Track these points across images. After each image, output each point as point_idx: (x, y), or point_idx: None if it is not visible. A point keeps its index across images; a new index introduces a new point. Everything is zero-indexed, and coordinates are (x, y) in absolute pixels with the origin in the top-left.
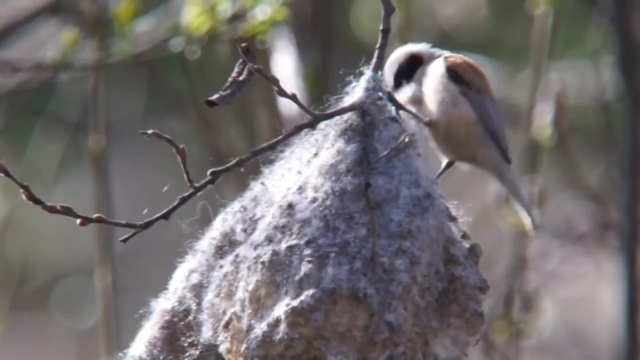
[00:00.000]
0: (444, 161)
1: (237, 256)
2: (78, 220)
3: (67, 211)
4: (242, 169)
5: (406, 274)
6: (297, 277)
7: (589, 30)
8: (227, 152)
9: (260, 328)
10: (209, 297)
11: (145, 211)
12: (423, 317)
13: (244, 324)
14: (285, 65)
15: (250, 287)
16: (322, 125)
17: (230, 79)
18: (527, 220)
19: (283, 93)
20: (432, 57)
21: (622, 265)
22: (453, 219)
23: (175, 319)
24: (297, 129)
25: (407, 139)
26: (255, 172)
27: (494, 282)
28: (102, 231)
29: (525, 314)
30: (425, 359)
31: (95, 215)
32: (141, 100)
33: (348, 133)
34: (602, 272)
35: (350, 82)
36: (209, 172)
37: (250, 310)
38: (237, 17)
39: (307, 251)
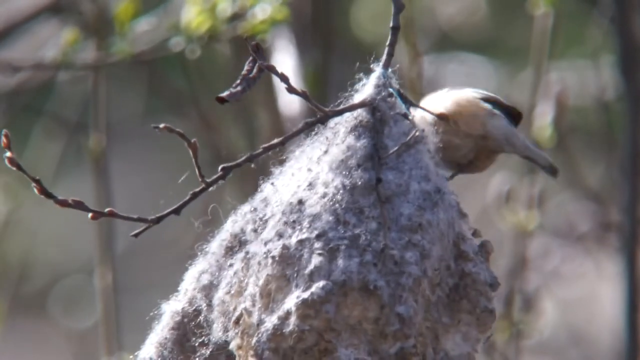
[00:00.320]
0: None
1: (247, 253)
2: (90, 214)
3: (79, 205)
4: (252, 165)
5: (416, 266)
6: (307, 270)
7: (589, 30)
8: (227, 152)
9: (271, 321)
10: (219, 294)
11: (161, 207)
12: (434, 312)
13: (255, 318)
14: (285, 65)
15: (261, 282)
16: (332, 123)
17: (240, 76)
18: (546, 167)
19: (293, 90)
20: None
21: (622, 265)
22: (464, 215)
23: (186, 320)
24: (307, 125)
25: (417, 135)
26: (265, 173)
27: None
28: (102, 231)
29: (525, 314)
30: (436, 355)
31: (107, 210)
32: (141, 100)
33: (358, 129)
34: (602, 272)
35: (360, 80)
36: (220, 167)
37: (260, 305)
38: (237, 16)
39: (318, 244)
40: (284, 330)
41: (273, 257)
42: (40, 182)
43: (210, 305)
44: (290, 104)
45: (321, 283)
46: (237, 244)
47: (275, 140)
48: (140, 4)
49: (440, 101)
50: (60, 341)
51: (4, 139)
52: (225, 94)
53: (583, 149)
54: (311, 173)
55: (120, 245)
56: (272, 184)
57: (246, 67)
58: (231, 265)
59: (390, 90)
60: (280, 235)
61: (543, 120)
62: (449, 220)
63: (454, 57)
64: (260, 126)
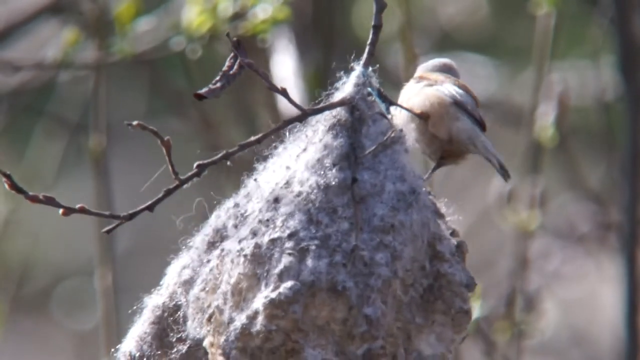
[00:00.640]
0: (432, 164)
1: (222, 250)
2: (60, 210)
3: (50, 201)
4: (229, 163)
5: (387, 267)
6: (277, 270)
7: (589, 31)
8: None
9: (240, 320)
10: (194, 291)
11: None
12: (406, 312)
13: (225, 316)
14: (286, 65)
15: (233, 280)
16: (313, 121)
17: (220, 73)
18: (498, 175)
19: (273, 88)
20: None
21: (622, 265)
22: (441, 215)
23: (166, 315)
24: (286, 123)
25: (394, 135)
26: (243, 167)
27: (496, 282)
28: (102, 231)
29: (526, 314)
30: (408, 355)
31: (77, 206)
32: (142, 100)
33: (336, 128)
34: (603, 273)
35: (340, 78)
36: (195, 164)
37: (232, 303)
38: (238, 16)
39: (289, 244)
40: (251, 330)
41: (245, 256)
42: (11, 177)
43: (188, 301)
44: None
45: (289, 283)
46: (219, 239)
47: (252, 138)
48: (141, 4)
49: (415, 97)
50: (61, 341)
51: None
52: (203, 90)
53: (584, 150)
54: (289, 171)
55: (120, 246)
56: (255, 179)
57: (227, 64)
58: (208, 261)
59: (369, 89)
60: (254, 234)
61: (545, 120)
62: (424, 221)
63: (455, 56)
64: (261, 126)
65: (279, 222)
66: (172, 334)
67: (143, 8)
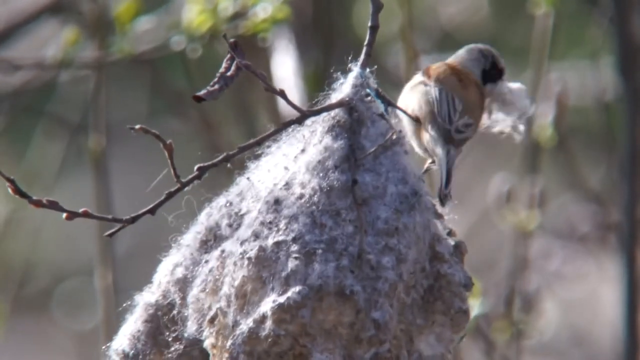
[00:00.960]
0: (428, 160)
1: (223, 251)
2: (64, 215)
3: (53, 205)
4: (229, 165)
5: (393, 271)
6: (283, 274)
7: (589, 31)
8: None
9: (246, 324)
10: (194, 292)
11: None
12: (408, 314)
13: (230, 319)
14: (285, 65)
15: (237, 283)
16: (309, 121)
17: (217, 74)
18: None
19: (270, 89)
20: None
21: (621, 265)
22: (439, 216)
23: (159, 313)
24: (285, 125)
25: (394, 136)
26: (242, 168)
27: (495, 282)
28: (102, 232)
29: (526, 314)
30: (410, 356)
31: (81, 210)
32: (143, 101)
33: (335, 129)
34: (603, 273)
35: (337, 79)
36: (195, 167)
37: (236, 306)
38: (238, 15)
39: (294, 247)
40: (259, 334)
41: (249, 259)
42: (15, 182)
43: (184, 300)
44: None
45: (297, 288)
46: (212, 237)
47: (252, 140)
48: (141, 4)
49: (409, 94)
50: (62, 341)
51: None
52: (202, 92)
53: (583, 150)
54: (288, 172)
55: (120, 246)
56: (248, 178)
57: (224, 65)
58: (207, 261)
59: (368, 90)
60: (256, 236)
61: (544, 120)
62: (425, 222)
63: None
64: (262, 127)
65: (282, 225)
66: (167, 333)
67: (143, 8)
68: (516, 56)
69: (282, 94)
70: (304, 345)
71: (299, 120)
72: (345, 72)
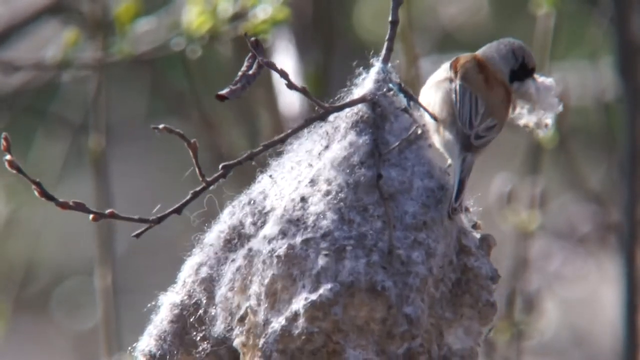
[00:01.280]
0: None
1: (250, 250)
2: (91, 216)
3: (80, 207)
4: (253, 162)
5: (423, 265)
6: (314, 271)
7: (589, 31)
8: (228, 153)
9: (278, 322)
10: (222, 291)
11: (160, 208)
12: (438, 308)
13: (260, 317)
14: (286, 66)
15: (266, 281)
16: (332, 117)
17: (239, 73)
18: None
19: (293, 86)
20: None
21: (621, 265)
22: (466, 209)
23: (185, 313)
24: (308, 122)
25: (418, 130)
26: (262, 165)
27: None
28: (102, 232)
29: (526, 314)
30: (440, 350)
31: (107, 211)
32: (143, 101)
33: (359, 125)
34: (603, 273)
35: (359, 74)
36: (220, 165)
37: (266, 304)
38: (238, 16)
39: (324, 244)
40: (292, 332)
41: (278, 257)
42: (41, 184)
43: (210, 299)
44: (290, 104)
45: (329, 285)
46: (236, 236)
47: (276, 138)
48: (142, 4)
49: (433, 89)
50: (62, 341)
51: (3, 142)
52: (225, 91)
53: (584, 150)
54: (312, 169)
55: (120, 246)
56: (271, 176)
57: (245, 64)
58: (233, 260)
59: (390, 85)
60: (284, 234)
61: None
62: None
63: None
64: (262, 126)
65: (310, 222)
66: (194, 333)
67: (143, 9)
68: None
69: (305, 91)
70: (337, 342)
71: (322, 117)
72: (350, 71)
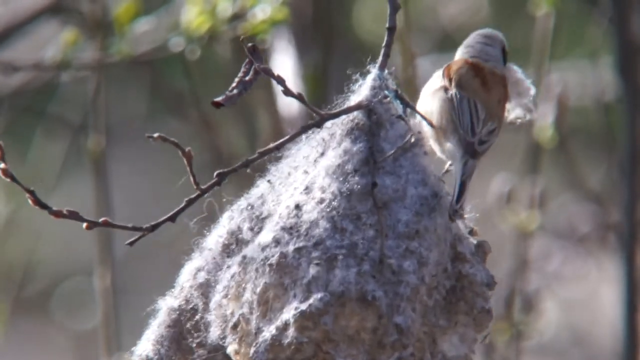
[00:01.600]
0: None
1: (244, 257)
2: (84, 224)
3: (74, 215)
4: (248, 170)
5: (414, 275)
6: (305, 280)
7: (589, 31)
8: (228, 153)
9: (269, 331)
10: (216, 297)
11: (157, 214)
12: (431, 316)
13: (252, 326)
14: (285, 66)
15: (259, 290)
16: (328, 124)
17: (236, 79)
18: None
19: (289, 92)
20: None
21: (621, 265)
22: (460, 215)
23: (182, 318)
24: (304, 129)
25: (413, 138)
26: (261, 170)
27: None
28: (102, 233)
29: (525, 315)
30: (434, 358)
31: (101, 219)
32: (142, 102)
33: (355, 132)
34: (603, 273)
35: (356, 81)
36: (215, 173)
37: (258, 313)
38: (237, 16)
39: (315, 253)
40: (282, 341)
41: (271, 265)
42: (34, 193)
43: (207, 304)
44: (289, 105)
45: (319, 295)
46: (234, 241)
47: (271, 145)
48: (141, 5)
49: (429, 99)
50: (62, 341)
51: None
52: (220, 98)
53: (584, 150)
54: (308, 176)
55: (119, 247)
56: (269, 181)
57: (242, 70)
58: (229, 266)
59: (386, 92)
60: (277, 242)
61: (544, 121)
62: (446, 223)
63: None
64: (261, 128)
65: (303, 230)
66: (191, 338)
67: (142, 9)
68: (517, 57)
69: (300, 97)
70: (327, 352)
71: (318, 124)
72: (364, 73)
